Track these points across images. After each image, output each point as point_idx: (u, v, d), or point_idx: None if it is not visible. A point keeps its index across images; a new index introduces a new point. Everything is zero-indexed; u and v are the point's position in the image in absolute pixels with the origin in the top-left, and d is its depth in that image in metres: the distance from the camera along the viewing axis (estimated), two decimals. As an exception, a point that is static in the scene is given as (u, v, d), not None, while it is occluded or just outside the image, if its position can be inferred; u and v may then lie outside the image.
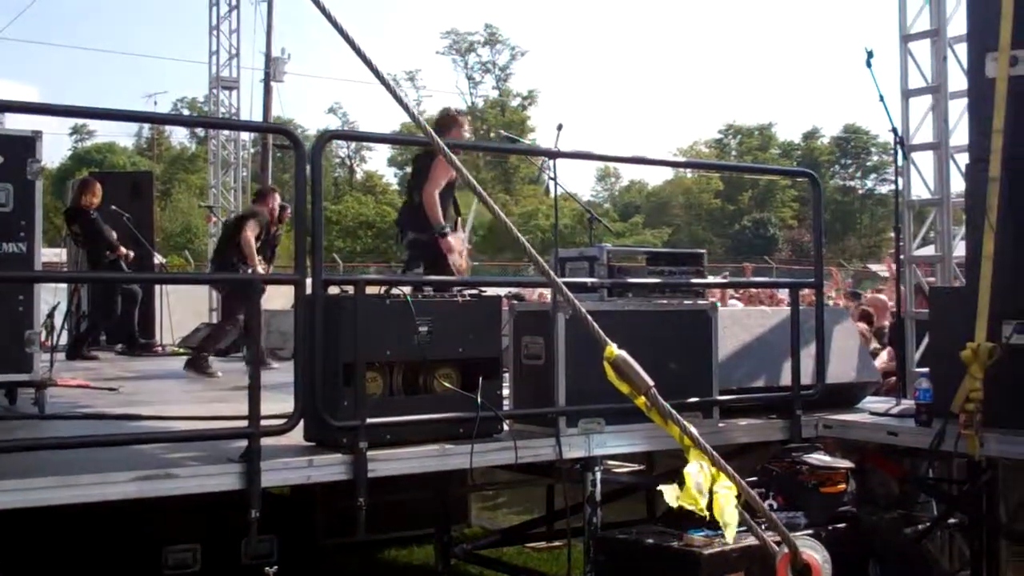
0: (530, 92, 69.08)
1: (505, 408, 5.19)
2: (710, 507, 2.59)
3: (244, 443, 4.29)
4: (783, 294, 14.38)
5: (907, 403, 6.20)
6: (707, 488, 2.55)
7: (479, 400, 4.82)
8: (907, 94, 7.26)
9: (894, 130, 6.90)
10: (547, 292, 12.54)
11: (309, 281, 4.51)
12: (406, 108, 2.59)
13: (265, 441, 4.30)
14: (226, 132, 17.57)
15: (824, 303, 6.33)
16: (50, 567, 4.91)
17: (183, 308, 14.26)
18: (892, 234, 7.43)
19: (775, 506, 5.10)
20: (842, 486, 5.39)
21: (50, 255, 13.51)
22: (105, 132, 62.16)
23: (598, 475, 5.34)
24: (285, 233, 11.56)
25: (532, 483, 7.34)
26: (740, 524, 2.78)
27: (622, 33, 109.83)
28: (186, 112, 61.47)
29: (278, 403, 4.79)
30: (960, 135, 6.91)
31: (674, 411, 2.37)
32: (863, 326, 8.85)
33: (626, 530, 5.31)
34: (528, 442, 5.04)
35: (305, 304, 4.49)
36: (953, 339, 5.32)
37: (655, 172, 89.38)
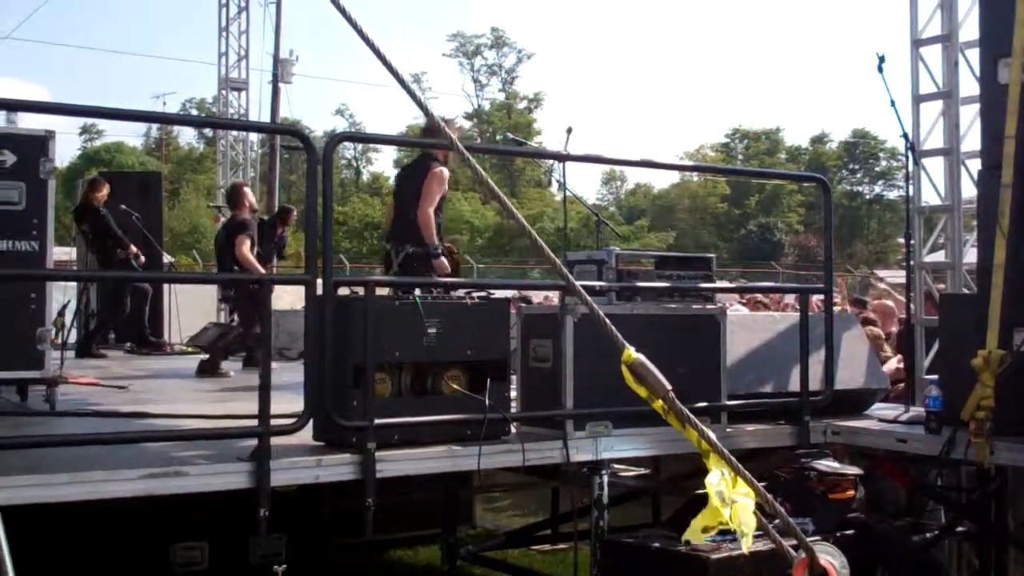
0: (536, 95, 69.11)
1: (513, 410, 5.19)
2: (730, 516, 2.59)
3: (254, 442, 4.30)
4: (788, 299, 14.36)
5: (916, 410, 6.19)
6: (729, 496, 2.54)
7: (487, 402, 4.82)
8: (918, 99, 7.24)
9: (905, 135, 6.89)
10: (552, 295, 12.54)
11: (319, 282, 4.52)
12: (425, 110, 2.59)
13: (274, 440, 4.31)
14: (234, 133, 17.63)
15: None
16: (60, 562, 4.92)
17: (191, 307, 14.28)
18: (900, 240, 7.41)
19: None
20: (850, 493, 5.38)
21: (59, 254, 13.53)
22: (114, 132, 62.28)
23: (605, 478, 5.34)
24: (292, 233, 11.58)
25: (537, 485, 7.34)
26: (756, 528, 2.77)
27: (629, 36, 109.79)
28: (194, 113, 61.57)
29: (286, 403, 4.80)
30: (971, 141, 6.89)
31: (692, 415, 2.36)
32: (877, 330, 8.83)
33: (632, 534, 5.31)
34: (535, 444, 5.04)
35: (315, 305, 4.50)
36: (964, 346, 5.30)
37: (661, 176, 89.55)
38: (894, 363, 8.57)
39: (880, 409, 6.45)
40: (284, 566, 4.16)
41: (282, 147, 19.99)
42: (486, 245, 51.44)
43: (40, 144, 5.79)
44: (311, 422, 4.57)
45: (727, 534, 4.58)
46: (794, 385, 5.98)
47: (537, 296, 12.86)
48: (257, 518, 4.23)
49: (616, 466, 5.80)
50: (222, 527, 5.45)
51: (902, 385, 7.51)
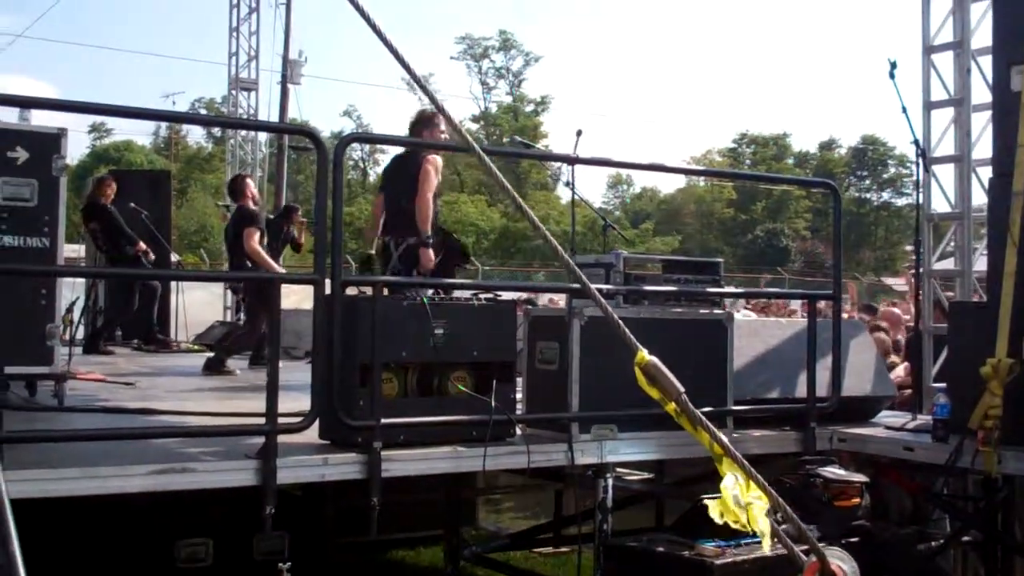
0: (543, 98, 69.11)
1: (518, 412, 5.19)
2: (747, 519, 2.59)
3: (260, 440, 4.31)
4: (794, 306, 14.37)
5: (923, 418, 6.18)
6: (744, 500, 2.54)
7: (493, 403, 4.83)
8: (929, 106, 7.23)
9: (916, 142, 6.87)
10: (557, 298, 12.54)
11: (328, 282, 4.53)
12: (441, 110, 2.59)
13: (280, 439, 4.32)
14: (243, 133, 17.67)
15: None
16: (65, 557, 4.93)
17: (198, 306, 14.33)
18: (908, 247, 7.41)
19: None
20: (856, 500, 5.36)
21: (68, 251, 13.59)
22: (123, 130, 62.45)
23: (610, 482, 5.34)
24: (301, 232, 11.59)
25: (541, 488, 7.34)
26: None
27: (636, 40, 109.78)
28: (203, 113, 61.68)
29: (292, 402, 4.81)
30: (982, 148, 6.88)
31: (704, 418, 2.36)
32: (884, 337, 8.81)
33: (637, 538, 5.30)
34: (540, 447, 5.05)
35: (323, 304, 4.50)
36: (973, 355, 5.29)
37: (667, 180, 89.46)
38: (901, 371, 8.56)
39: (887, 417, 6.44)
40: (289, 563, 4.16)
41: (290, 147, 20.04)
42: (491, 247, 51.45)
43: (52, 141, 5.79)
44: (317, 421, 4.59)
45: (737, 537, 4.63)
46: (801, 391, 5.97)
47: (541, 299, 12.87)
48: (262, 515, 4.24)
49: (620, 470, 5.80)
50: (226, 524, 5.45)
51: (909, 392, 7.50)
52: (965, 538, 6.00)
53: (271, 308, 4.84)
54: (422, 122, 6.98)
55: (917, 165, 6.99)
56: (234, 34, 17.23)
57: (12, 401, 5.56)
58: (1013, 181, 5.22)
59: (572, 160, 6.10)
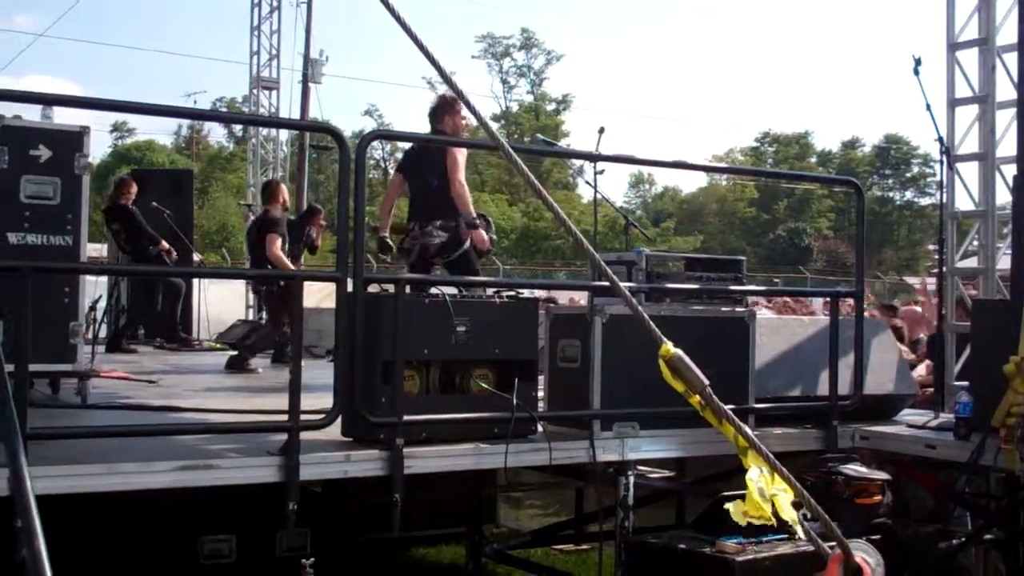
0: (565, 97, 69.09)
1: (540, 410, 5.20)
2: (774, 511, 2.59)
3: (283, 437, 4.34)
4: (814, 307, 14.32)
5: (945, 416, 6.16)
6: (768, 492, 2.55)
7: (514, 401, 4.84)
8: (953, 103, 7.19)
9: (940, 139, 6.84)
10: (577, 297, 12.56)
11: (350, 279, 4.55)
12: (469, 106, 2.61)
13: (303, 436, 4.34)
14: (264, 132, 17.72)
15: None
16: (89, 553, 4.97)
17: (220, 304, 14.40)
18: (930, 247, 7.38)
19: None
20: (877, 498, 5.35)
21: (90, 250, 13.68)
22: (145, 130, 62.85)
23: (631, 479, 5.35)
24: (322, 232, 11.62)
25: (561, 485, 7.35)
26: (789, 527, 2.78)
27: (658, 39, 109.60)
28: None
29: (314, 400, 4.83)
30: (1006, 146, 6.84)
31: (729, 411, 2.37)
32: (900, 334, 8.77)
33: (658, 535, 5.31)
34: (562, 444, 5.05)
35: (346, 302, 4.53)
36: (996, 353, 5.27)
37: (689, 179, 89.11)
38: (922, 369, 8.53)
39: (909, 415, 6.42)
40: (312, 559, 4.19)
41: (312, 147, 20.09)
42: (513, 246, 51.46)
43: (75, 140, 5.83)
44: (340, 418, 4.61)
45: (759, 534, 4.63)
46: (822, 389, 5.96)
47: (562, 298, 12.89)
48: (285, 512, 4.26)
49: (641, 467, 5.81)
50: (249, 521, 5.49)
51: (930, 391, 7.47)
52: (987, 536, 5.98)
53: (293, 306, 4.86)
54: (443, 107, 6.92)
55: (941, 163, 6.96)
56: (255, 33, 17.28)
57: (36, 398, 5.61)
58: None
59: (594, 157, 6.08)
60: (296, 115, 18.14)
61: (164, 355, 11.22)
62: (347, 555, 6.31)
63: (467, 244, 6.71)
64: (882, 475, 5.43)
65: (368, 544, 6.88)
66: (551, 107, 68.51)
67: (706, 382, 2.42)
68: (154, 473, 4.10)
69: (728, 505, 2.66)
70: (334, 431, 4.63)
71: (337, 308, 4.57)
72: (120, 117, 61.70)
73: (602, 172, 6.55)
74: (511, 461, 4.82)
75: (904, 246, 65.64)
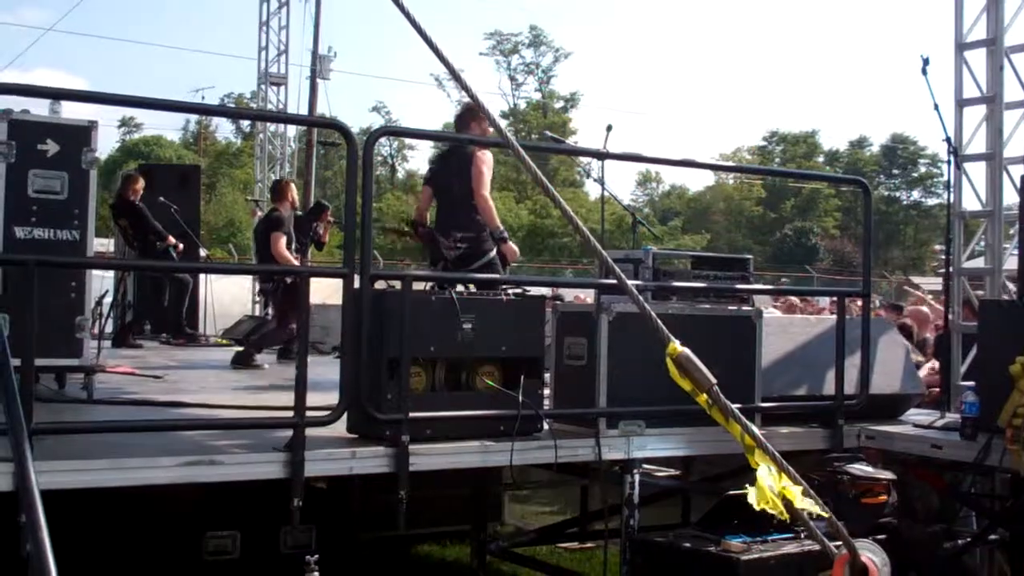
0: (572, 95, 69.00)
1: (546, 408, 5.20)
2: (787, 506, 2.59)
3: (288, 433, 4.33)
4: (821, 305, 14.29)
5: (951, 416, 6.15)
6: (778, 490, 2.55)
7: (520, 398, 4.83)
8: (961, 103, 7.18)
9: (948, 139, 6.83)
10: (583, 295, 12.56)
11: (357, 276, 4.55)
12: (479, 104, 2.61)
13: (308, 432, 4.34)
14: (272, 128, 17.71)
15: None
16: (93, 548, 4.98)
17: (227, 300, 14.42)
18: (937, 247, 7.36)
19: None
20: (883, 497, 5.34)
21: (96, 245, 13.71)
22: (152, 125, 62.91)
23: (637, 477, 5.34)
24: (327, 229, 11.62)
25: (567, 483, 7.34)
26: (797, 525, 2.77)
27: (666, 37, 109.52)
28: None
29: (320, 396, 4.83)
30: (1014, 146, 6.84)
31: (736, 410, 2.37)
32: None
33: (663, 533, 5.30)
34: (568, 442, 5.05)
35: (353, 298, 4.52)
36: (1002, 353, 5.26)
37: (696, 178, 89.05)
38: (926, 369, 8.51)
39: (915, 414, 6.41)
40: (316, 556, 4.18)
41: (320, 143, 20.09)
42: (519, 244, 51.35)
43: (83, 134, 5.84)
44: (345, 415, 4.61)
45: (764, 533, 4.63)
46: (829, 388, 5.95)
47: (568, 296, 12.88)
48: (290, 508, 4.26)
49: (647, 466, 5.81)
50: (254, 517, 5.49)
51: (936, 391, 7.45)
52: (992, 536, 5.97)
53: (300, 302, 4.86)
54: (470, 113, 6.82)
55: (948, 162, 6.95)
56: (264, 28, 17.28)
57: (42, 393, 5.62)
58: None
59: (602, 155, 6.05)
60: (304, 111, 18.13)
61: (170, 350, 11.24)
62: (352, 552, 6.32)
63: (491, 255, 6.62)
64: (888, 475, 5.42)
65: (373, 541, 6.88)
66: (559, 105, 68.43)
67: (713, 380, 2.42)
68: (159, 468, 4.10)
69: (749, 489, 2.66)
70: (340, 428, 4.64)
71: (344, 305, 4.57)
72: (128, 112, 61.87)
73: (607, 163, 6.47)
74: (517, 459, 4.82)
75: (911, 246, 65.50)
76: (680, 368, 2.41)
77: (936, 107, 6.70)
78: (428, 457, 4.64)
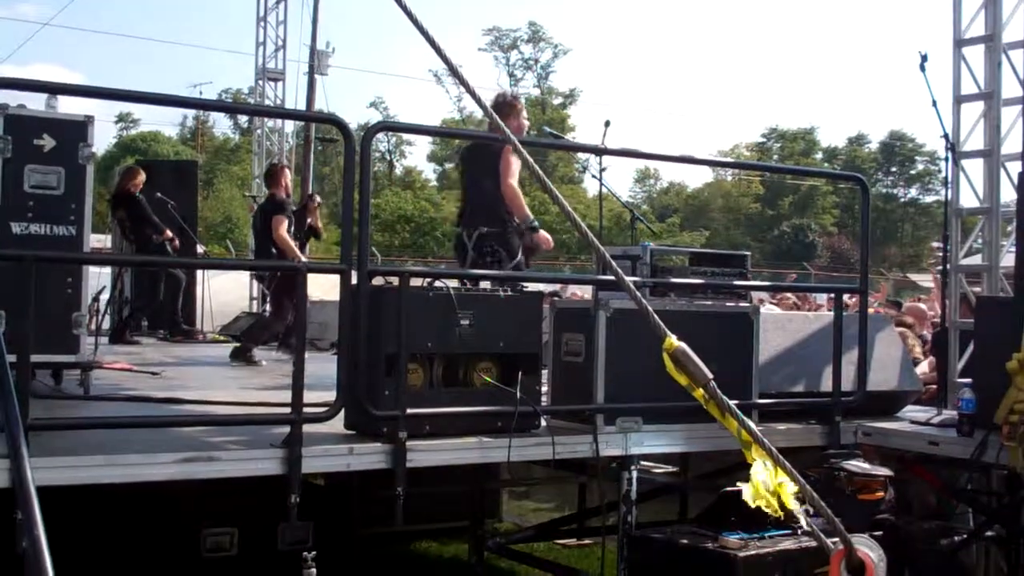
0: (571, 91, 69.00)
1: (543, 404, 5.20)
2: (780, 504, 2.59)
3: (285, 429, 4.33)
4: (819, 301, 14.28)
5: (948, 413, 6.15)
6: (773, 486, 2.55)
7: (518, 395, 4.83)
8: (959, 100, 7.17)
9: (945, 136, 6.82)
10: (580, 292, 12.54)
11: (355, 272, 4.54)
12: (477, 100, 2.60)
13: (306, 429, 4.34)
14: (270, 123, 17.67)
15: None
16: (90, 544, 4.97)
17: (224, 296, 14.39)
18: (934, 243, 7.37)
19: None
20: (880, 494, 5.35)
21: (93, 241, 13.69)
22: (150, 120, 62.88)
23: (634, 474, 5.34)
24: (325, 225, 11.60)
25: (564, 479, 7.34)
26: (794, 521, 2.78)
27: (665, 34, 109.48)
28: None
29: (317, 393, 4.82)
30: (1012, 143, 6.83)
31: (733, 405, 2.37)
32: (907, 332, 8.76)
33: (660, 530, 5.31)
34: (565, 438, 5.04)
35: (350, 294, 4.52)
36: (999, 350, 5.27)
37: (695, 174, 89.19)
38: (925, 366, 8.51)
39: (912, 411, 6.41)
40: (314, 552, 4.18)
41: (317, 138, 20.06)
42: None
43: (79, 129, 5.82)
44: (343, 411, 4.60)
45: (761, 530, 4.63)
46: (826, 385, 5.96)
47: (565, 293, 12.87)
48: (287, 504, 4.26)
49: (644, 463, 5.81)
50: (251, 514, 5.48)
51: (934, 388, 7.46)
52: (988, 533, 5.97)
53: (297, 297, 4.86)
54: (503, 107, 6.71)
55: (946, 159, 6.95)
56: (261, 24, 17.21)
57: (39, 389, 5.61)
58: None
59: (600, 151, 6.04)
60: (301, 106, 18.09)
61: (167, 347, 11.23)
62: (350, 549, 6.31)
63: (516, 260, 6.54)
64: (884, 471, 5.43)
65: (371, 538, 6.88)
66: (557, 101, 68.41)
67: (710, 375, 2.42)
68: (156, 465, 4.10)
69: (743, 486, 2.66)
70: (337, 424, 4.63)
71: (341, 301, 4.56)
72: (125, 107, 61.92)
73: (605, 169, 6.47)
74: (514, 455, 4.83)
75: (908, 243, 65.56)
76: (677, 363, 2.41)
77: (934, 103, 6.70)
78: (425, 453, 4.64)
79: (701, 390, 2.40)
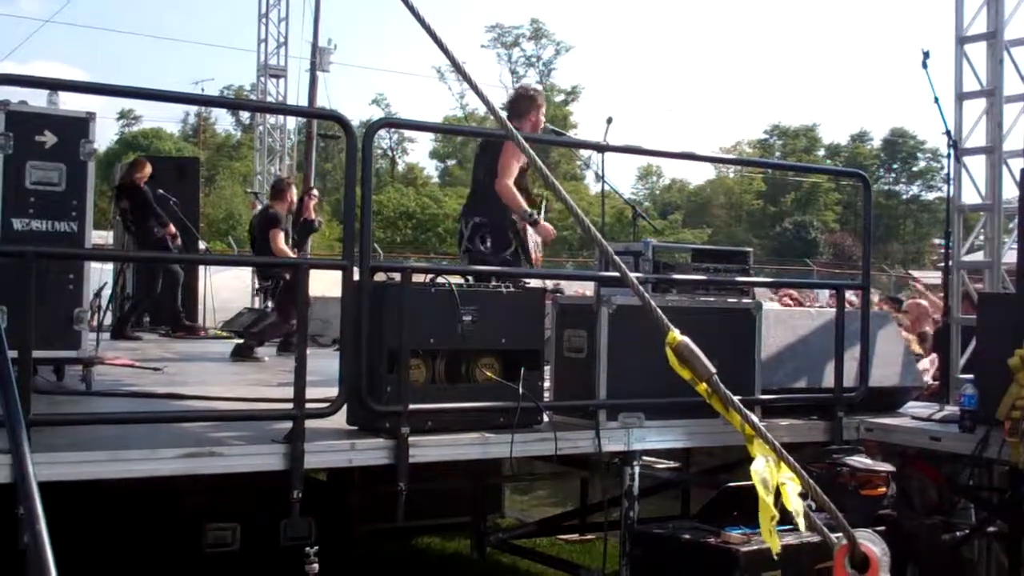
0: (573, 88, 68.95)
1: (546, 400, 5.20)
2: (777, 501, 2.59)
3: (287, 425, 4.33)
4: (821, 299, 14.28)
5: (951, 409, 6.15)
6: (773, 483, 2.54)
7: (520, 390, 4.83)
8: (961, 97, 7.16)
9: (948, 132, 6.82)
10: (582, 288, 12.54)
11: (356, 268, 4.54)
12: (481, 96, 2.60)
13: (308, 424, 4.34)
14: (272, 120, 17.68)
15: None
16: (92, 540, 4.98)
17: (226, 292, 14.39)
18: (936, 240, 7.37)
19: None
20: (882, 489, 5.35)
21: (95, 237, 13.69)
22: (152, 117, 62.92)
23: (636, 469, 5.35)
24: (327, 222, 11.59)
25: (567, 475, 7.35)
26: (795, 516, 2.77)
27: (667, 32, 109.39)
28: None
29: (319, 389, 4.83)
30: (1014, 140, 6.83)
31: (735, 399, 2.36)
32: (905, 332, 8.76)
33: (662, 525, 5.31)
34: (568, 434, 5.05)
35: (352, 290, 4.52)
36: (1001, 346, 5.27)
37: (697, 171, 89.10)
38: (925, 362, 8.51)
39: (914, 407, 6.42)
40: (316, 548, 4.18)
41: (319, 135, 20.04)
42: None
43: (81, 126, 5.82)
44: (345, 407, 4.60)
45: (754, 527, 4.62)
46: (828, 381, 5.96)
47: (568, 290, 12.85)
48: (290, 500, 4.27)
49: (646, 458, 5.81)
50: (254, 509, 5.49)
51: (936, 383, 7.45)
52: (990, 528, 5.99)
53: (299, 294, 4.86)
54: (521, 101, 6.71)
55: (948, 156, 6.95)
56: (263, 20, 17.23)
57: (41, 385, 5.62)
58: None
59: (602, 148, 6.04)
60: (304, 104, 18.08)
61: (169, 343, 11.23)
62: (352, 544, 6.31)
63: (508, 252, 6.54)
64: (887, 467, 5.43)
65: (373, 533, 6.88)
66: (560, 98, 68.34)
67: (713, 370, 2.41)
68: (158, 460, 4.10)
69: (768, 543, 2.66)
70: (339, 419, 4.63)
71: (343, 297, 4.56)
72: (127, 104, 61.93)
73: (600, 169, 6.46)
74: (517, 451, 4.83)
75: (910, 240, 65.50)
76: (680, 357, 2.40)
77: (936, 100, 6.70)
78: (428, 449, 4.64)
79: (704, 384, 2.40)
